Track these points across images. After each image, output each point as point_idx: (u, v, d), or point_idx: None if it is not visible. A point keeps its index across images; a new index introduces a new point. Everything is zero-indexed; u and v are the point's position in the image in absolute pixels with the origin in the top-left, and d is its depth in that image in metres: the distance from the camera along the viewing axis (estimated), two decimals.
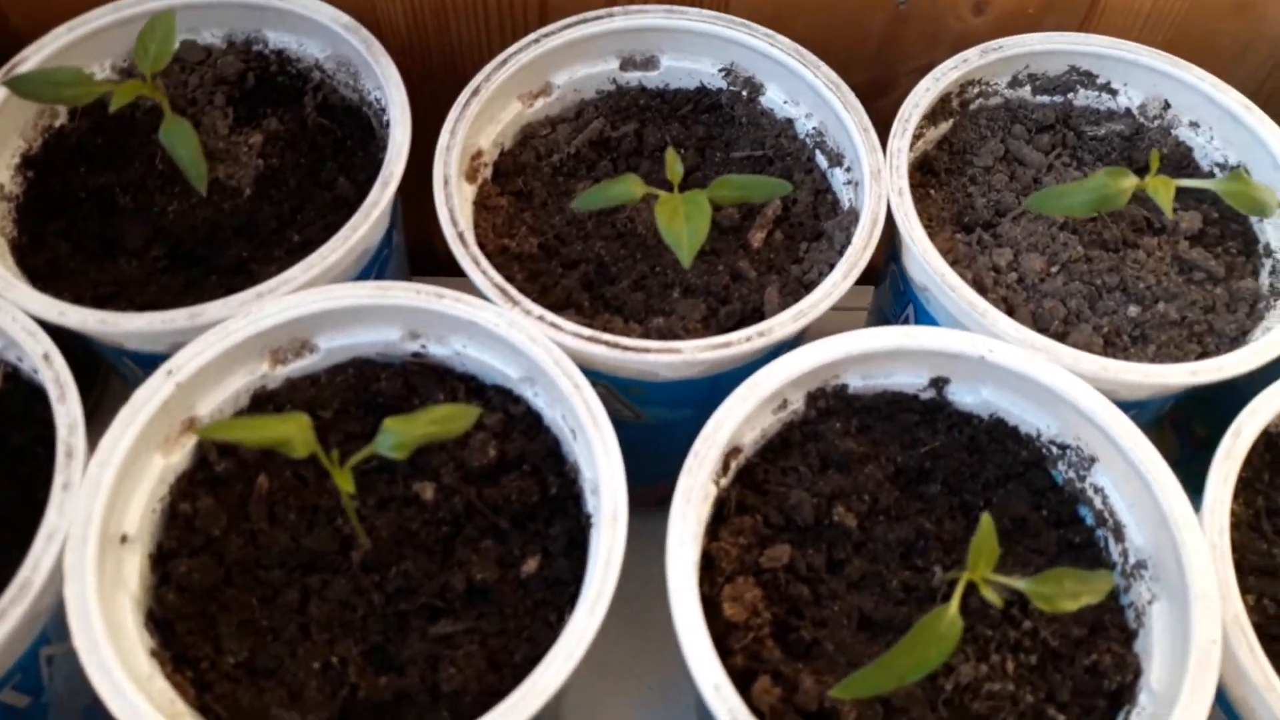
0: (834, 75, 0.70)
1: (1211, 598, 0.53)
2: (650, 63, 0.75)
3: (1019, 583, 0.50)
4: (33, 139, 0.70)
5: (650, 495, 0.63)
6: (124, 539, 0.55)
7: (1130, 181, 0.60)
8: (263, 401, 0.62)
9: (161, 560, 0.57)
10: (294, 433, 0.50)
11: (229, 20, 0.74)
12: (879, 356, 0.61)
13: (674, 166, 0.64)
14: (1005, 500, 0.61)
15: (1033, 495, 0.61)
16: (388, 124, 0.70)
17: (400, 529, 0.59)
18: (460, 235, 0.63)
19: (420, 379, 0.63)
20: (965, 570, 0.51)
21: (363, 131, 0.73)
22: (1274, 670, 0.52)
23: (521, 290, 0.63)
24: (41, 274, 0.65)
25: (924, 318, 0.67)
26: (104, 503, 0.54)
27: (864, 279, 0.63)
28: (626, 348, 0.59)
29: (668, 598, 0.52)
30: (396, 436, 0.51)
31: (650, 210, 0.69)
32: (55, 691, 0.60)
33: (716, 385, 0.65)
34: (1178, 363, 0.62)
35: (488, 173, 0.71)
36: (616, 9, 0.72)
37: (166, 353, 0.62)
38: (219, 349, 0.58)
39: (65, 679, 0.60)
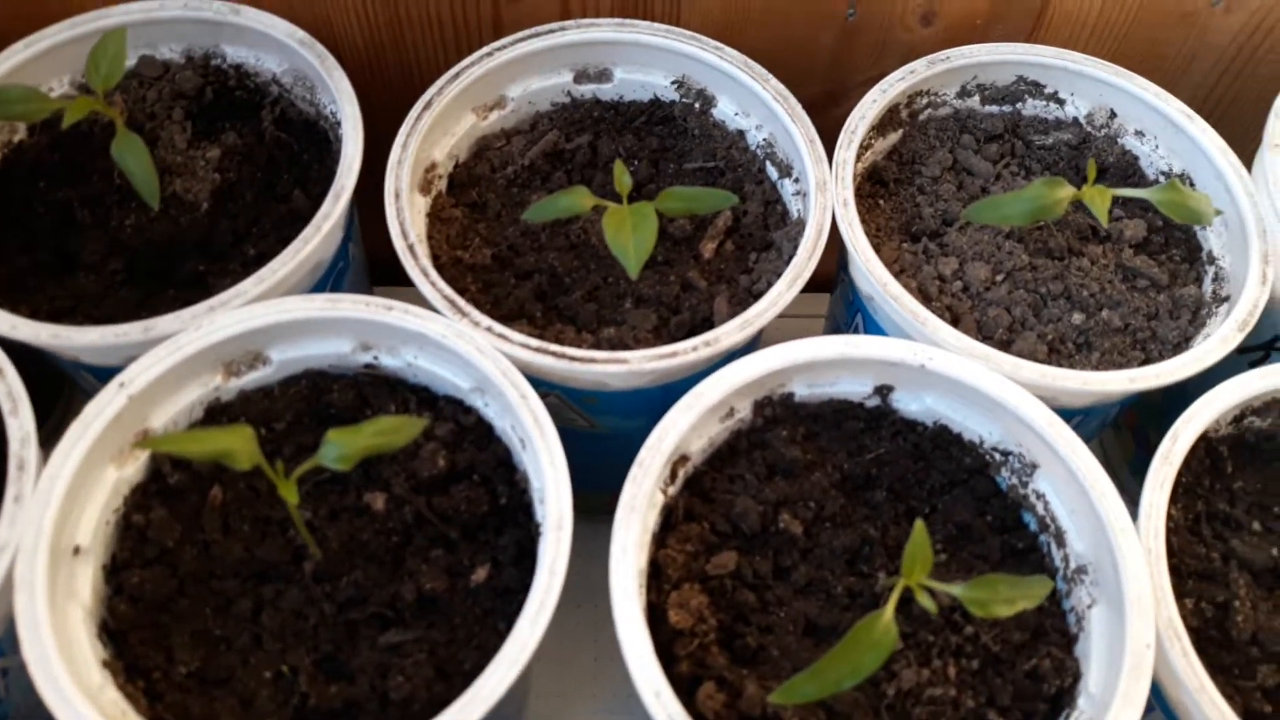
0: (782, 87, 0.71)
1: (1146, 602, 0.53)
2: (604, 75, 0.76)
3: (954, 589, 0.51)
4: None
5: (609, 503, 0.63)
6: (76, 550, 0.56)
7: (1067, 191, 0.61)
8: (216, 414, 0.63)
9: (115, 571, 0.58)
10: (238, 445, 0.50)
11: (187, 35, 0.75)
12: (823, 365, 0.62)
13: (621, 178, 0.65)
14: (950, 506, 0.62)
15: (977, 501, 0.62)
16: (343, 138, 0.71)
17: (351, 539, 0.59)
18: (410, 247, 0.64)
19: (373, 390, 0.64)
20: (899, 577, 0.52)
21: (319, 146, 0.73)
22: (1209, 673, 0.53)
23: (474, 301, 0.63)
24: None
25: (871, 326, 0.68)
26: (55, 515, 0.54)
27: (820, 287, 0.64)
28: (574, 358, 0.60)
29: None
30: (340, 448, 0.52)
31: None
32: (14, 704, 0.60)
33: (669, 394, 0.66)
34: (1121, 369, 0.63)
35: (442, 185, 0.72)
36: (569, 22, 0.73)
37: (122, 366, 0.63)
38: (171, 362, 0.59)
39: (23, 691, 0.60)
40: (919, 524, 0.51)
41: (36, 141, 0.72)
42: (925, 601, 0.51)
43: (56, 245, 0.69)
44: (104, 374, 0.65)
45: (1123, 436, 0.85)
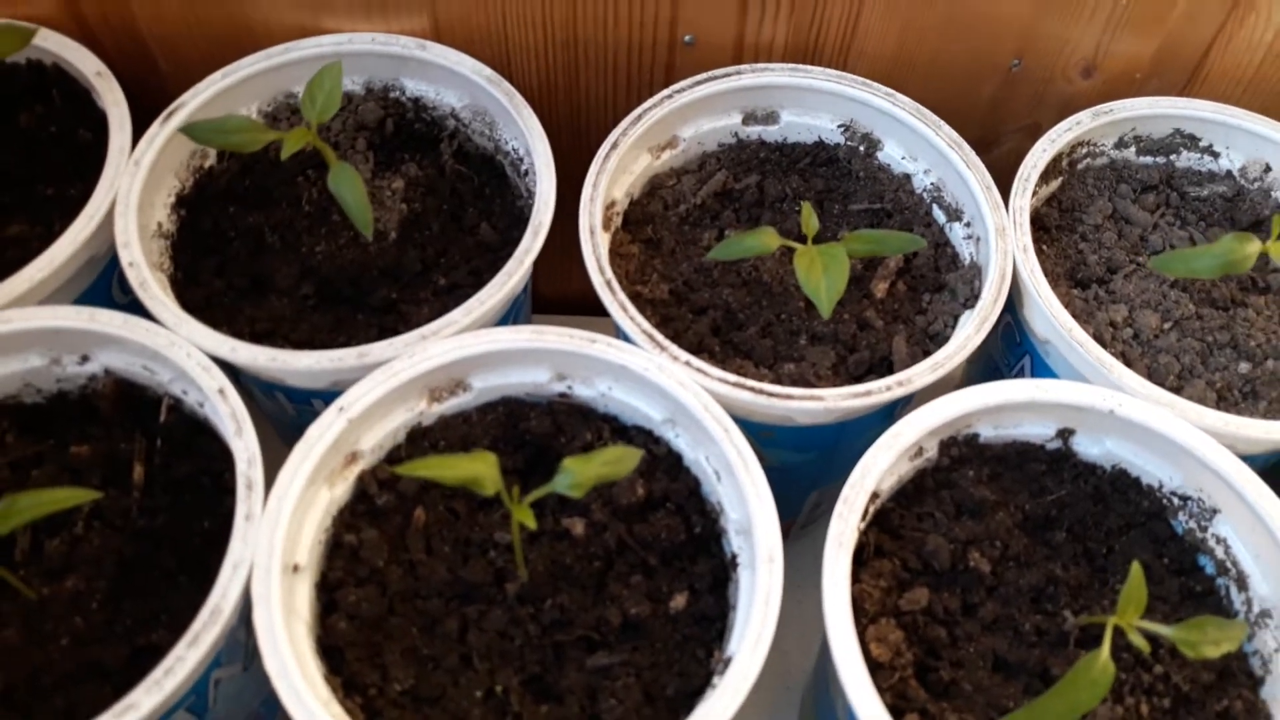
0: (954, 134, 0.73)
1: None
2: (770, 117, 0.78)
3: (1164, 629, 0.53)
4: (185, 179, 0.73)
5: None
6: (296, 568, 0.58)
7: (1255, 246, 0.63)
8: (418, 437, 0.65)
9: (327, 589, 0.60)
10: (484, 471, 0.53)
11: (369, 68, 0.77)
12: (1010, 408, 0.63)
13: (809, 220, 0.67)
14: (1128, 548, 0.63)
15: (1154, 544, 0.63)
16: (525, 173, 0.74)
17: (553, 563, 0.61)
18: (608, 283, 0.66)
19: (566, 418, 0.66)
20: (1109, 615, 0.53)
21: (498, 179, 0.76)
22: None
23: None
24: (199, 310, 0.68)
25: (1041, 369, 0.70)
26: (284, 533, 0.57)
27: None
28: (771, 394, 0.62)
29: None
30: (574, 476, 0.54)
31: (776, 260, 0.72)
32: (215, 714, 0.62)
33: (843, 431, 0.68)
34: None
35: (619, 221, 0.74)
36: (745, 66, 0.75)
37: (325, 389, 0.65)
38: (387, 387, 0.61)
39: (226, 701, 0.62)
40: (1136, 566, 0.53)
41: (226, 167, 0.75)
42: (1138, 641, 0.53)
43: (249, 269, 0.72)
44: (300, 396, 0.68)
45: None
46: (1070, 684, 0.51)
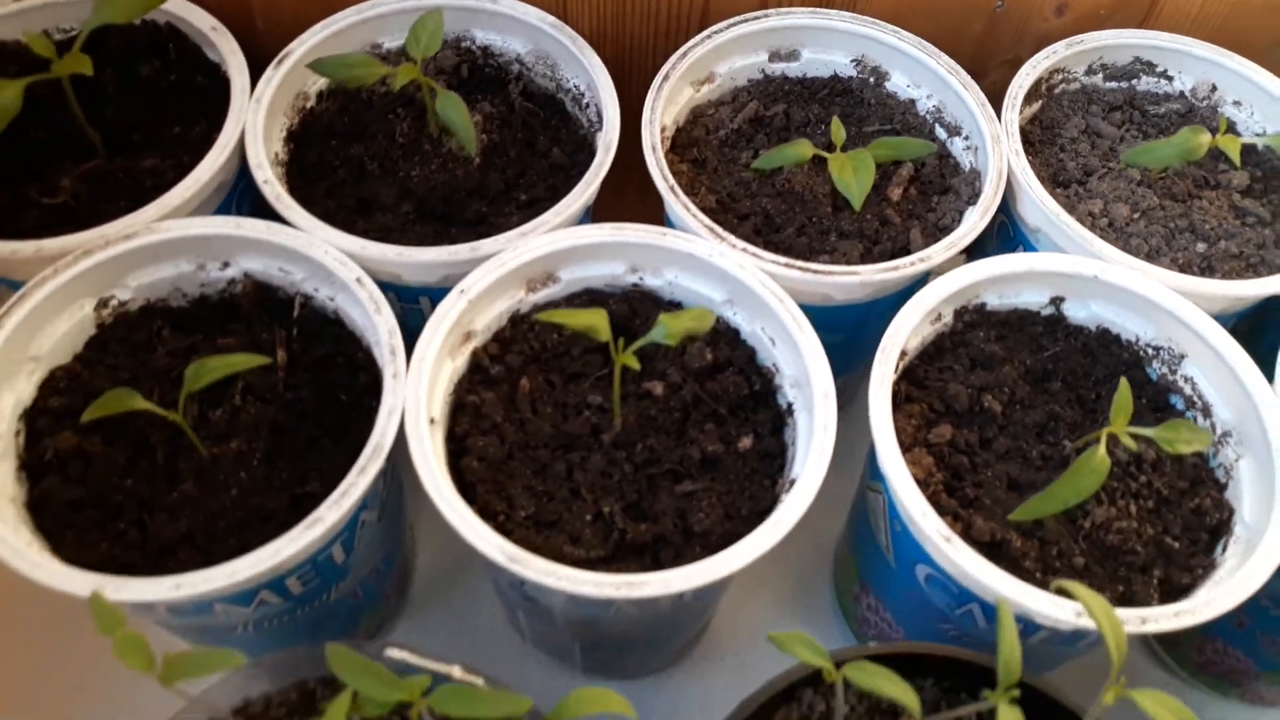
0: (952, 62, 0.86)
1: None
2: (793, 55, 0.91)
3: (1149, 431, 0.66)
4: (292, 118, 0.85)
5: None
6: (432, 421, 0.70)
7: (1206, 138, 0.77)
8: (519, 321, 0.77)
9: (455, 440, 0.71)
10: (599, 321, 0.65)
11: (445, 20, 0.89)
12: (1011, 278, 0.76)
13: (838, 132, 0.80)
14: (1111, 392, 0.76)
15: (1134, 388, 0.76)
16: (585, 106, 0.86)
17: (641, 416, 0.73)
18: (671, 188, 0.78)
19: (639, 303, 0.78)
20: (1101, 429, 0.66)
21: (561, 114, 0.88)
22: None
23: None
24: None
25: None
26: (425, 388, 0.68)
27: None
28: (817, 271, 0.75)
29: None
30: (668, 328, 0.66)
31: (805, 173, 0.85)
32: (356, 556, 0.74)
33: (870, 311, 0.81)
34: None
35: (667, 146, 0.86)
36: (770, 10, 0.88)
37: (436, 285, 0.77)
38: (496, 275, 0.73)
39: (363, 546, 0.74)
40: (1124, 382, 0.66)
41: (326, 108, 0.87)
42: (1127, 441, 0.66)
43: (354, 191, 0.83)
44: (410, 295, 0.79)
45: None
46: (1074, 473, 0.64)
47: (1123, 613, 0.62)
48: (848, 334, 0.84)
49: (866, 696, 0.65)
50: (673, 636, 0.83)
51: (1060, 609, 0.62)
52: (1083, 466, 0.64)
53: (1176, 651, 0.89)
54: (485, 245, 0.74)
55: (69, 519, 0.67)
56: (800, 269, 0.75)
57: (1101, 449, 0.64)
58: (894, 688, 0.56)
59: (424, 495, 0.64)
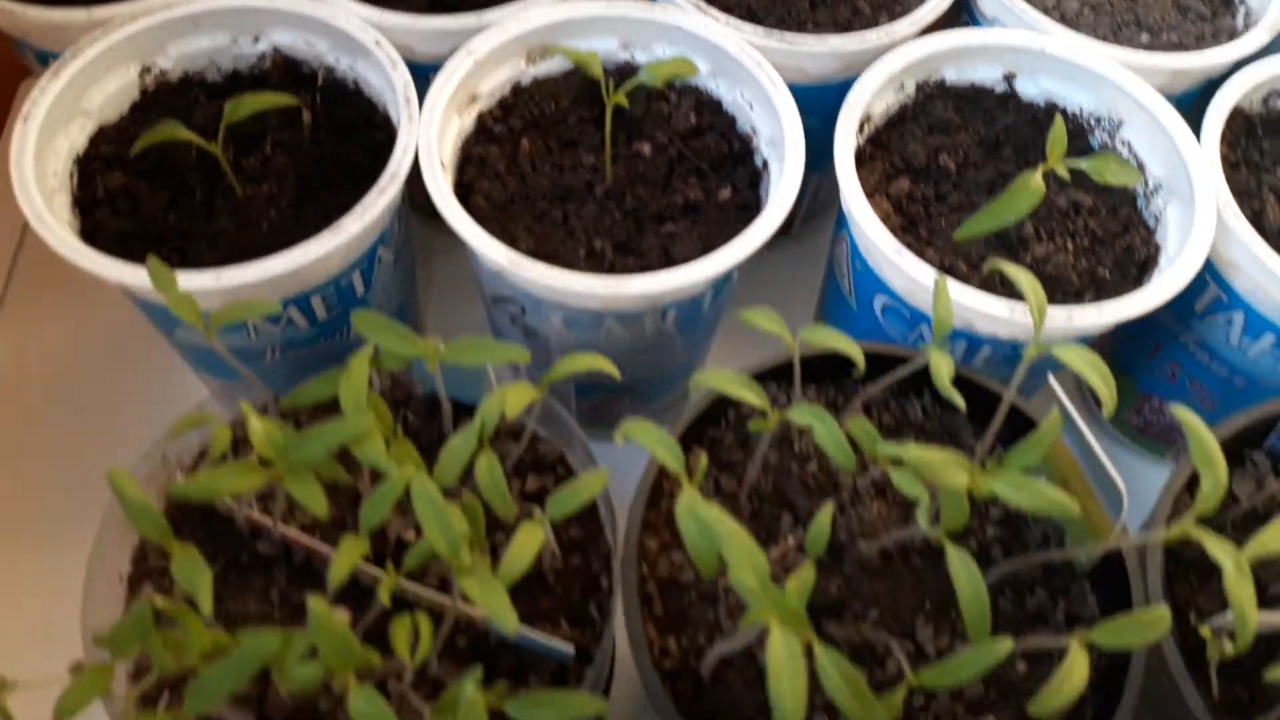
0: None
1: (1209, 191, 0.76)
2: None
3: (1082, 163, 0.74)
4: None
5: None
6: (442, 165, 0.78)
7: None
8: (519, 91, 0.85)
9: (463, 186, 0.80)
10: (593, 60, 0.73)
11: None
12: (968, 52, 0.84)
13: None
14: None
15: (1077, 155, 0.84)
16: None
17: (630, 172, 0.82)
18: None
19: (630, 76, 0.86)
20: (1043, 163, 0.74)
21: None
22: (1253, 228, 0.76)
23: None
24: None
25: None
26: (436, 133, 0.76)
27: None
28: (791, 41, 0.83)
29: None
30: (651, 74, 0.75)
31: None
32: (374, 291, 0.82)
33: (842, 94, 0.89)
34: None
35: None
36: None
37: (445, 57, 0.85)
38: (500, 39, 0.81)
39: (381, 288, 0.82)
40: (1058, 118, 0.74)
41: None
42: (1062, 171, 0.74)
43: None
44: (422, 70, 0.87)
45: None
46: (1011, 194, 0.72)
47: (1053, 310, 0.70)
48: (823, 117, 0.92)
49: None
50: (661, 382, 0.91)
51: (995, 306, 0.70)
52: (1019, 188, 0.72)
53: (1117, 417, 0.98)
54: (490, 15, 0.82)
55: (118, 248, 0.76)
56: (777, 39, 0.83)
57: (1037, 174, 0.72)
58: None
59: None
